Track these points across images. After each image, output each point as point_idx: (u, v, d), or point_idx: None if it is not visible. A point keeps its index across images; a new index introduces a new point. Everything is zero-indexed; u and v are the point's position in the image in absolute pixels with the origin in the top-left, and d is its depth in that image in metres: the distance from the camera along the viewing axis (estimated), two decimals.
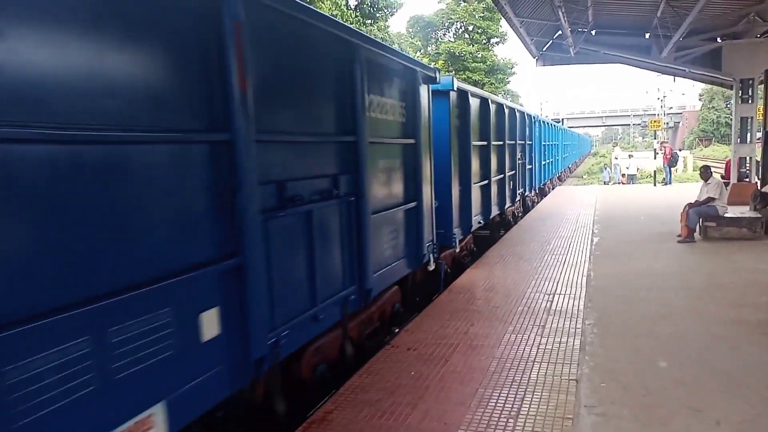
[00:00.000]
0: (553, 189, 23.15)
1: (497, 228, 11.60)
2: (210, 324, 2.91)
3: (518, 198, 13.41)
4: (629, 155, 31.37)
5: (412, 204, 5.98)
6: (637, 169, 30.16)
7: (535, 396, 4.07)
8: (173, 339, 2.67)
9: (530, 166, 15.30)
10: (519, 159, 13.10)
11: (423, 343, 5.23)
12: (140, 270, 2.50)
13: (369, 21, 28.74)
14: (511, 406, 3.93)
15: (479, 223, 9.41)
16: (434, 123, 6.75)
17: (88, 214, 2.27)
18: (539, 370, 4.54)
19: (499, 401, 4.00)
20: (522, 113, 13.79)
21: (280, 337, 3.52)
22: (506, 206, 11.83)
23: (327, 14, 4.98)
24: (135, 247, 2.49)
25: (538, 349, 5.01)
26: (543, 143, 18.50)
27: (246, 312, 3.15)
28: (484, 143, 9.63)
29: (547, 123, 21.45)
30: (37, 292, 2.07)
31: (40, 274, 2.09)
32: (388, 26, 31.24)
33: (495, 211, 10.58)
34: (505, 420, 3.72)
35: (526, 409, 3.88)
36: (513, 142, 12.26)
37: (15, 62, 2.00)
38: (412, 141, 5.95)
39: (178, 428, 2.72)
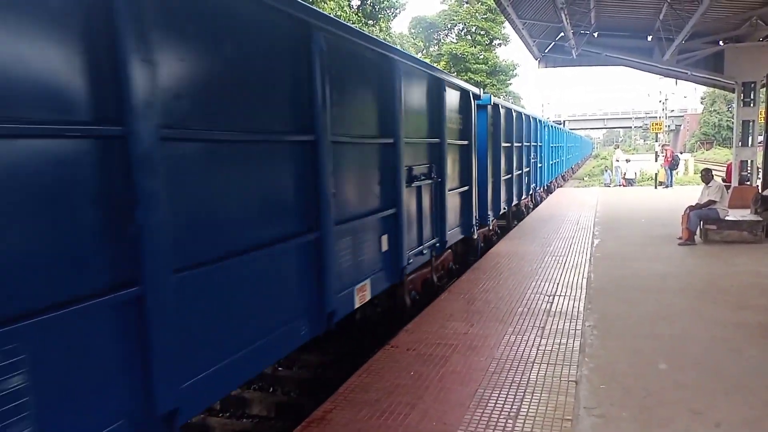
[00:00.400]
0: (558, 187, 23.96)
1: (511, 218, 13.45)
2: (384, 243, 5.18)
3: (531, 191, 15.43)
4: (626, 160, 31.30)
5: (466, 188, 8.08)
6: (635, 173, 30.05)
7: (534, 397, 4.06)
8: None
9: (540, 165, 17.20)
10: (533, 158, 15.16)
11: (423, 344, 5.22)
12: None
13: (371, 22, 28.75)
14: (510, 407, 3.92)
15: (504, 208, 11.57)
16: (477, 129, 8.63)
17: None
18: (539, 371, 4.54)
19: (498, 402, 3.99)
20: (535, 119, 15.86)
21: (409, 257, 5.77)
22: (522, 198, 13.93)
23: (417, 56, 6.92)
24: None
25: (538, 350, 5.00)
26: (550, 145, 20.16)
27: (399, 241, 5.44)
28: (508, 145, 11.57)
29: (552, 126, 22.68)
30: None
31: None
32: (390, 27, 31.26)
33: (515, 200, 12.77)
34: (504, 421, 3.72)
35: (526, 410, 3.87)
36: (528, 143, 14.23)
37: None
38: (466, 143, 8.05)
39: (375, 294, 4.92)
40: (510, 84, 45.86)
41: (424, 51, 41.91)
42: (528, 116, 14.52)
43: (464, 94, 8.06)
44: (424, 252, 6.36)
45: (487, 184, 9.88)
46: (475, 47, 41.04)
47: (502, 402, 3.99)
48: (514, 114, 12.01)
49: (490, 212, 10.16)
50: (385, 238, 5.22)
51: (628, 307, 6.30)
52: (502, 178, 10.91)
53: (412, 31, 43.93)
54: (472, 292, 7.05)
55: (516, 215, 14.03)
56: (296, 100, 3.77)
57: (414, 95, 6.02)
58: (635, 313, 6.07)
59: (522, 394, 4.12)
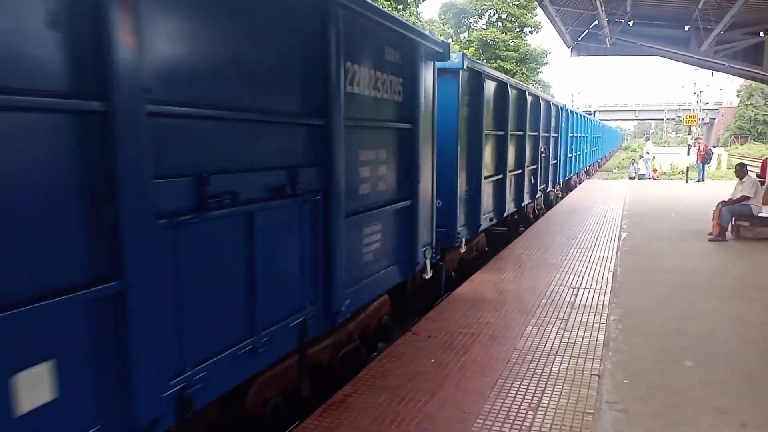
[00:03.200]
0: (579, 183, 22.62)
1: (516, 224, 11.03)
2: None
3: (539, 194, 12.46)
4: (639, 156, 30.47)
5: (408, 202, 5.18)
6: (655, 169, 29.24)
7: (555, 389, 4.03)
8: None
9: (555, 161, 14.43)
10: (542, 152, 12.16)
11: (444, 332, 5.21)
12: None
13: (401, 6, 28.53)
14: (531, 398, 3.89)
15: (490, 221, 8.50)
16: (439, 107, 5.81)
17: None
18: (561, 363, 4.50)
19: (519, 393, 3.97)
20: (548, 102, 12.95)
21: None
22: (524, 203, 10.86)
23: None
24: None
25: (561, 342, 4.95)
26: (570, 135, 17.50)
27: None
28: (501, 133, 8.63)
29: (576, 114, 20.39)
30: None
31: None
32: (420, 12, 31.00)
33: (511, 208, 9.72)
34: (525, 412, 3.69)
35: (546, 401, 3.84)
36: (536, 133, 11.35)
37: None
38: (408, 126, 5.11)
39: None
40: (541, 72, 45.22)
41: (454, 37, 41.48)
42: (537, 97, 11.38)
43: (408, 42, 4.94)
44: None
45: (456, 189, 6.82)
46: (505, 34, 40.49)
47: (523, 393, 3.97)
48: (511, 91, 8.87)
49: (461, 229, 7.02)
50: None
51: (654, 302, 6.19)
52: (487, 180, 7.93)
53: (442, 17, 43.49)
54: (495, 282, 7.00)
55: (521, 220, 11.54)
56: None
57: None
58: (662, 308, 5.97)
59: (543, 385, 4.09)
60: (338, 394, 3.96)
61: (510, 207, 9.62)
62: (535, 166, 11.51)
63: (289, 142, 3.44)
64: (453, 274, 7.25)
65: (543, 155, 12.29)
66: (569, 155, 17.69)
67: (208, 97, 2.74)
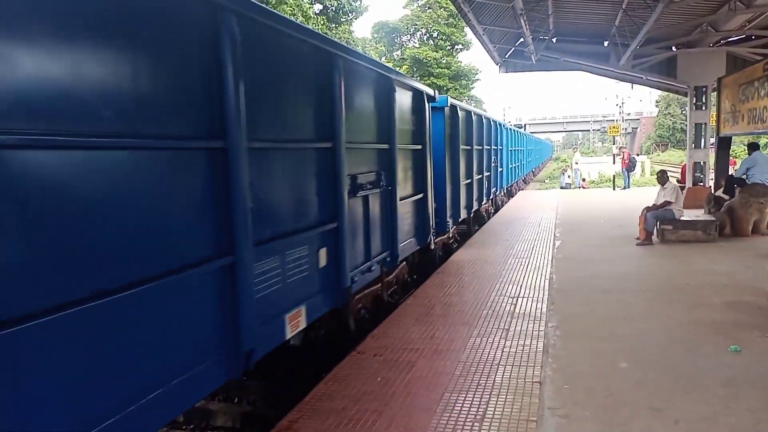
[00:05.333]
0: (519, 190, 23.86)
1: (472, 224, 12.89)
2: (322, 260, 4.65)
3: (492, 196, 15.11)
4: (568, 166, 31.87)
5: (421, 195, 7.60)
6: (569, 177, 30.55)
7: (500, 399, 4.10)
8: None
9: (501, 169, 17.01)
10: (493, 162, 14.79)
11: (389, 349, 5.22)
12: None
13: (334, 25, 28.72)
14: (476, 410, 3.94)
15: (466, 214, 11.39)
16: (432, 132, 8.21)
17: None
18: (504, 373, 4.58)
19: (464, 405, 4.02)
20: (495, 122, 15.59)
21: (354, 276, 5.47)
22: (483, 202, 13.63)
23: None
24: None
25: (503, 352, 5.05)
26: (510, 148, 19.87)
27: (341, 259, 5.04)
28: (468, 148, 11.24)
29: (513, 130, 22.63)
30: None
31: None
32: (352, 30, 31.29)
33: (476, 205, 12.41)
34: (471, 424, 3.74)
35: (491, 412, 3.90)
36: (489, 147, 13.96)
37: None
38: (420, 147, 7.58)
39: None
40: (473, 88, 46.39)
41: (387, 55, 42.06)
42: (488, 119, 14.36)
43: (417, 94, 7.50)
44: (373, 268, 5.76)
45: (446, 189, 9.49)
46: (437, 52, 41.38)
47: (468, 405, 4.02)
48: (473, 117, 11.78)
49: (449, 219, 9.78)
50: (323, 254, 4.56)
51: (588, 307, 6.42)
52: (462, 183, 10.55)
53: (375, 35, 44.04)
54: (437, 296, 7.09)
55: (477, 220, 13.62)
56: (203, 99, 3.13)
57: (358, 95, 5.48)
58: (596, 313, 6.19)
59: (488, 396, 4.15)
60: (284, 420, 3.89)
61: (475, 205, 12.44)
62: (489, 173, 14.24)
63: (375, 158, 5.97)
64: (439, 253, 9.67)
65: (494, 164, 15.07)
66: (510, 165, 20.33)
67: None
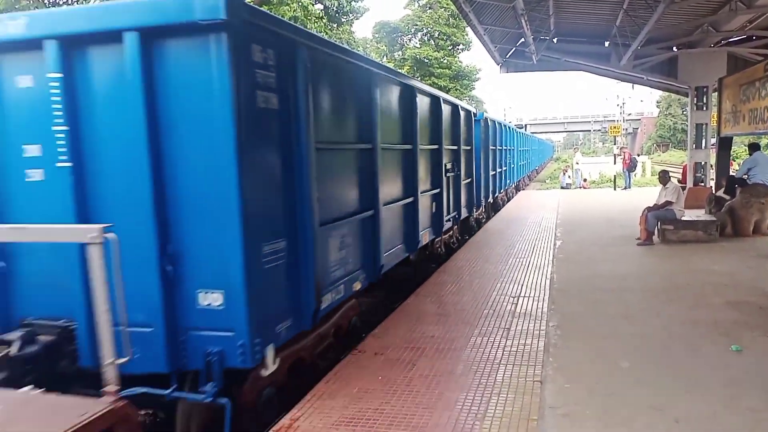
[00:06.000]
0: (524, 186, 25.34)
1: (489, 209, 15.83)
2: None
3: (506, 188, 18.50)
4: (569, 166, 31.88)
5: (470, 179, 11.19)
6: (570, 177, 30.56)
7: (501, 398, 4.11)
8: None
9: (513, 166, 19.77)
10: (508, 159, 17.62)
11: (390, 348, 5.23)
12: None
13: (335, 25, 28.72)
14: (477, 408, 3.95)
15: (491, 198, 15.01)
16: (474, 137, 11.69)
17: None
18: (505, 372, 4.59)
19: (465, 404, 4.03)
20: (507, 126, 18.75)
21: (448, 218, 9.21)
22: (499, 191, 17.08)
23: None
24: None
25: (504, 351, 5.06)
26: (519, 149, 22.30)
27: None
28: (493, 148, 14.55)
29: (521, 132, 24.67)
30: None
31: None
32: (353, 31, 31.29)
33: (497, 192, 16.19)
34: (472, 423, 3.75)
35: (492, 411, 3.91)
36: (503, 148, 16.78)
37: None
38: (469, 147, 11.13)
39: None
40: (473, 88, 46.34)
41: (388, 55, 42.03)
42: (504, 125, 17.74)
43: (468, 113, 11.20)
44: (449, 220, 9.36)
45: (481, 178, 12.62)
46: (438, 52, 41.33)
47: (469, 404, 4.03)
48: (496, 124, 15.32)
49: (483, 198, 13.11)
50: (434, 206, 8.36)
51: (590, 306, 6.43)
52: (490, 174, 13.94)
53: (376, 35, 44.00)
54: (438, 295, 7.09)
55: (494, 207, 16.67)
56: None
57: (450, 120, 9.43)
58: (597, 312, 6.20)
59: (489, 395, 4.16)
60: (285, 418, 3.90)
61: (497, 192, 16.04)
62: (505, 168, 17.41)
63: (451, 155, 9.41)
64: (473, 223, 13.00)
65: (508, 161, 18.10)
66: (519, 163, 22.96)
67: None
